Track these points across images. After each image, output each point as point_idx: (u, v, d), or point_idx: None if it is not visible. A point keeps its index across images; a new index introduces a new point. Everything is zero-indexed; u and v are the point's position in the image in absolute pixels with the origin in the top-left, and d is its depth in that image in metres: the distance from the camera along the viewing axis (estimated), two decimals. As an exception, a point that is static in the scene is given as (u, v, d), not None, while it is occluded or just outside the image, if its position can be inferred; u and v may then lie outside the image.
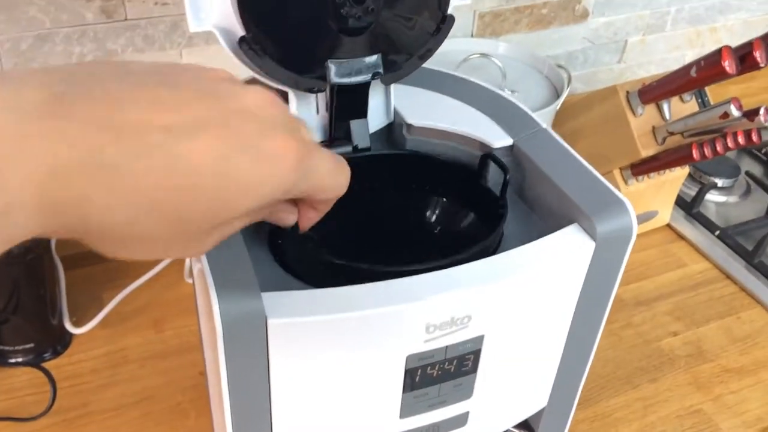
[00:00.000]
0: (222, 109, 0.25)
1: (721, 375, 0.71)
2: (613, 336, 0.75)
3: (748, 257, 0.83)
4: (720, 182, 0.94)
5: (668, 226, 0.89)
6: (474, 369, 0.37)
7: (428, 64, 0.46)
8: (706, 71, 0.68)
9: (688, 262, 0.85)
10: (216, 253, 0.32)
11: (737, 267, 0.83)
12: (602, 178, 0.39)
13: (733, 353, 0.74)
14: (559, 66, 0.82)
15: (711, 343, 0.75)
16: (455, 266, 0.34)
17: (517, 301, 0.36)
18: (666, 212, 0.88)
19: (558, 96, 0.80)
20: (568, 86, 0.81)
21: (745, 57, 0.67)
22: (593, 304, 0.40)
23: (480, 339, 0.36)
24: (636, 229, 0.37)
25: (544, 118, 0.78)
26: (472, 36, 0.87)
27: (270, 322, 0.31)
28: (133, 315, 0.72)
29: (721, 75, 0.67)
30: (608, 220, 0.37)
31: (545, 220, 0.40)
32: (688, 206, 0.90)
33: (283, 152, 0.26)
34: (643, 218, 0.86)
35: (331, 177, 0.29)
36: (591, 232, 0.37)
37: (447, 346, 0.35)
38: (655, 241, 0.88)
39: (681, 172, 0.84)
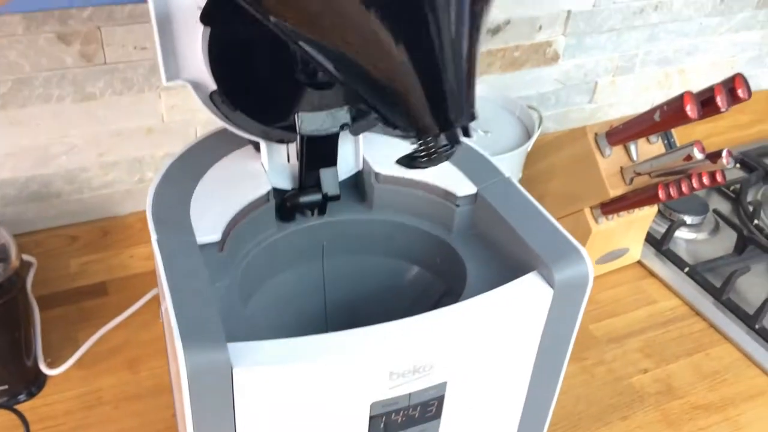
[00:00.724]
0: None
1: (690, 412, 0.72)
2: (585, 373, 0.76)
3: (717, 294, 0.85)
4: (689, 219, 0.96)
5: (639, 263, 0.91)
6: (438, 415, 0.38)
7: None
8: (669, 116, 0.70)
9: (659, 299, 0.86)
10: (183, 300, 0.33)
11: (706, 304, 0.85)
12: (560, 227, 0.40)
13: (702, 390, 0.75)
14: (531, 107, 0.84)
15: (680, 380, 0.76)
16: (417, 315, 0.35)
17: (479, 349, 0.37)
18: (636, 249, 0.90)
19: (530, 136, 0.82)
20: (539, 127, 0.83)
21: (706, 102, 0.69)
22: (554, 349, 0.41)
23: (443, 386, 0.37)
24: (592, 276, 0.39)
25: (515, 159, 0.80)
26: (446, 78, 0.89)
27: (236, 371, 0.32)
28: (108, 355, 0.72)
29: (684, 119, 0.69)
30: (565, 269, 0.38)
31: (507, 266, 0.41)
32: (658, 243, 0.92)
33: None
34: (613, 256, 0.88)
35: None
36: (549, 280, 0.38)
37: (410, 393, 0.36)
38: (627, 278, 0.89)
39: (650, 211, 0.86)
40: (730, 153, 0.72)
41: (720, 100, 0.69)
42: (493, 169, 0.46)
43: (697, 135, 1.11)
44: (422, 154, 0.35)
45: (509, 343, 0.39)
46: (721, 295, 0.85)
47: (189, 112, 0.74)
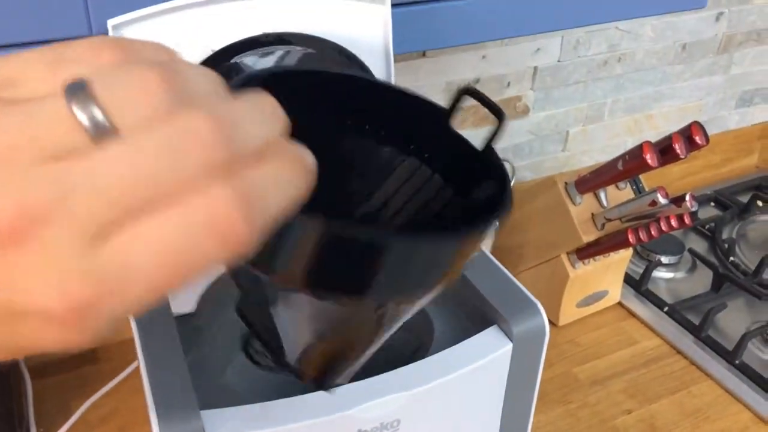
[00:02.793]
0: None
1: (674, 452, 0.74)
2: (570, 417, 0.77)
3: (696, 331, 0.87)
4: (666, 259, 0.99)
5: (619, 304, 0.93)
6: (409, 468, 0.40)
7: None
8: (631, 164, 0.74)
9: (640, 339, 0.88)
10: (156, 369, 0.35)
11: (686, 342, 0.87)
12: (518, 282, 0.43)
13: (686, 428, 0.76)
14: (504, 160, 0.87)
15: (664, 419, 0.77)
16: (381, 374, 0.38)
17: (445, 403, 0.40)
18: (616, 291, 0.92)
19: (503, 188, 0.85)
20: (512, 178, 0.86)
21: (666, 149, 0.73)
22: (519, 400, 0.43)
23: (411, 440, 0.39)
24: (548, 328, 0.41)
25: (490, 211, 0.83)
26: (421, 135, 0.92)
27: (210, 437, 0.34)
28: (99, 423, 0.73)
29: (645, 167, 0.72)
30: (523, 322, 0.41)
31: (470, 318, 0.44)
32: (637, 284, 0.95)
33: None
34: (593, 299, 0.90)
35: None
36: (508, 334, 0.41)
37: (380, 450, 0.38)
38: (608, 319, 0.91)
39: (626, 253, 0.89)
40: (693, 197, 0.75)
41: (678, 147, 0.72)
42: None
43: (673, 176, 1.15)
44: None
45: (474, 395, 0.41)
46: (700, 332, 0.87)
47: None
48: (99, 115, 0.18)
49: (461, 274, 0.45)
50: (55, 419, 0.72)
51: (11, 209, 0.17)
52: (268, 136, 0.20)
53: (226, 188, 0.18)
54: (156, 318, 0.39)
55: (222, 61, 0.40)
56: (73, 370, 0.78)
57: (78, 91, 0.18)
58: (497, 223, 0.32)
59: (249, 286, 0.32)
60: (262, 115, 0.20)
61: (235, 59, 0.40)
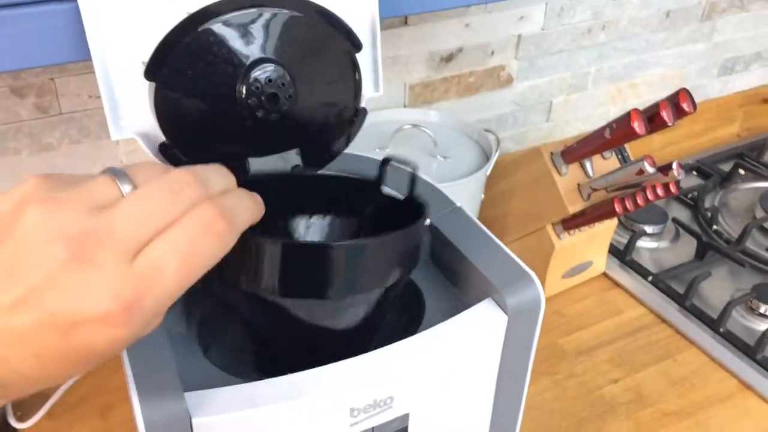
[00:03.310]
0: None
1: (661, 419, 0.74)
2: (557, 387, 0.77)
3: (681, 300, 0.87)
4: (650, 229, 0.98)
5: (604, 274, 0.93)
6: (402, 445, 0.39)
7: (357, 146, 0.48)
8: (618, 132, 0.73)
9: (625, 309, 0.88)
10: (138, 351, 0.33)
11: (671, 311, 0.87)
12: (511, 254, 0.42)
13: (672, 396, 0.76)
14: (487, 130, 0.86)
15: (650, 388, 0.77)
16: (375, 350, 0.36)
17: (438, 378, 0.38)
18: (601, 261, 0.92)
19: (488, 159, 0.84)
20: (497, 150, 0.85)
21: (653, 117, 0.72)
22: (514, 371, 0.42)
23: (405, 417, 0.38)
24: (543, 300, 0.40)
25: (475, 182, 0.82)
26: (405, 106, 0.91)
27: (194, 421, 0.32)
28: (79, 404, 0.71)
29: (633, 135, 0.71)
30: (518, 294, 0.39)
31: (463, 293, 0.42)
32: (621, 254, 0.94)
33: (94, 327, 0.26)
34: (578, 269, 0.90)
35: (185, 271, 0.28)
36: (503, 306, 0.39)
37: (373, 428, 0.37)
38: (593, 290, 0.91)
39: (611, 223, 0.88)
40: (680, 165, 0.74)
41: (666, 114, 0.71)
42: (444, 199, 0.47)
43: (655, 145, 1.14)
44: None
45: (468, 369, 0.40)
46: (684, 301, 0.87)
47: (148, 157, 0.75)
48: (126, 180, 0.29)
49: (453, 248, 0.43)
50: (33, 404, 0.70)
51: (75, 237, 0.25)
52: (227, 184, 0.32)
53: (210, 206, 0.29)
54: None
55: (197, 25, 0.38)
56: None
57: (118, 171, 0.30)
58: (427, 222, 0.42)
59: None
60: (221, 174, 0.32)
61: (212, 23, 0.38)
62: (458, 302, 0.41)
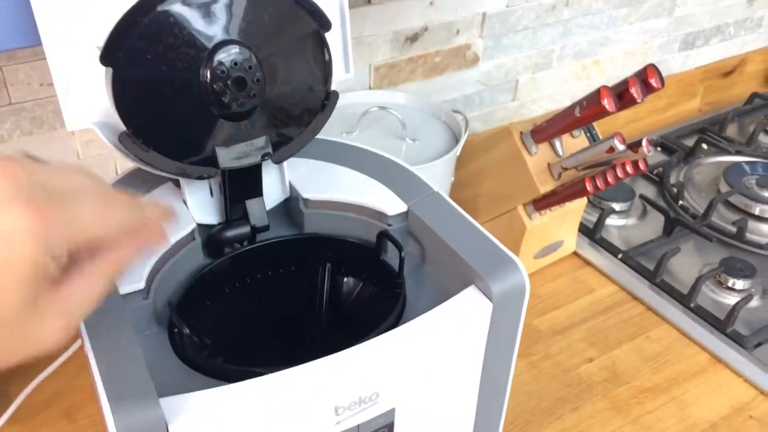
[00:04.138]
0: None
1: (637, 396, 0.74)
2: (533, 369, 0.77)
3: (651, 277, 0.87)
4: (618, 207, 0.98)
5: (575, 253, 0.93)
6: (389, 440, 0.38)
7: (324, 130, 0.47)
8: (588, 110, 0.72)
9: (597, 287, 0.88)
10: (106, 353, 0.31)
11: (642, 287, 0.87)
12: (494, 239, 0.40)
13: (646, 373, 0.77)
14: (455, 111, 0.85)
15: (625, 365, 0.78)
16: (356, 345, 0.35)
17: (424, 370, 0.37)
18: (571, 241, 0.92)
19: (457, 140, 0.82)
20: (465, 131, 0.84)
21: (622, 94, 0.71)
22: (499, 360, 0.41)
23: (391, 412, 0.36)
24: (528, 285, 0.39)
25: (446, 164, 0.80)
26: (370, 88, 0.89)
27: (171, 427, 0.30)
28: (43, 407, 0.68)
29: (603, 113, 0.71)
30: (502, 281, 0.38)
31: (445, 281, 0.41)
32: (591, 233, 0.94)
33: (13, 225, 0.25)
34: (550, 249, 0.89)
35: (100, 216, 0.28)
36: (487, 293, 0.38)
37: (359, 425, 0.36)
38: (564, 269, 0.91)
39: (581, 202, 0.88)
40: (649, 141, 0.74)
41: (635, 91, 0.71)
42: (421, 184, 0.46)
43: (619, 122, 1.14)
44: None
45: (453, 361, 0.38)
46: (655, 277, 0.87)
47: (106, 147, 0.72)
48: None
49: (432, 234, 0.42)
50: (-6, 408, 0.67)
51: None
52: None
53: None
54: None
55: (155, 5, 0.35)
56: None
57: None
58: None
59: None
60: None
61: (171, 3, 0.35)
62: (441, 290, 0.39)
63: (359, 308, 0.42)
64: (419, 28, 0.87)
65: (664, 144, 1.14)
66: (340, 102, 0.85)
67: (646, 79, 0.72)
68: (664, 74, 1.20)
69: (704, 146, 1.13)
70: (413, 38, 0.88)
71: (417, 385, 0.37)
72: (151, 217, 0.32)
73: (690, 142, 1.14)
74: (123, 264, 0.30)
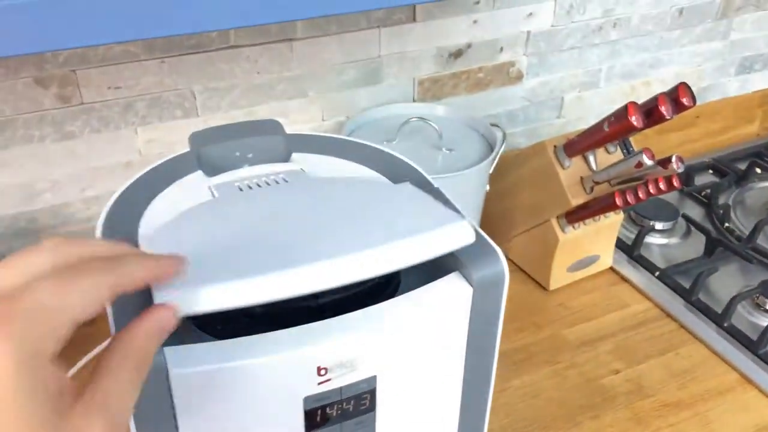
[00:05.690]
0: None
1: (660, 409, 0.74)
2: (557, 376, 0.78)
3: (687, 295, 0.87)
4: (659, 225, 0.99)
5: (611, 269, 0.94)
6: (372, 407, 0.41)
7: (366, 137, 0.50)
8: (616, 126, 0.74)
9: (631, 303, 0.89)
10: (122, 308, 0.36)
11: (677, 305, 0.87)
12: (478, 228, 0.44)
13: (672, 388, 0.77)
14: (493, 125, 0.88)
15: (651, 379, 0.78)
16: (343, 314, 0.39)
17: (405, 345, 0.41)
18: (607, 256, 0.93)
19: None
20: (503, 143, 0.87)
21: (651, 111, 0.73)
22: (482, 345, 0.44)
23: (373, 379, 0.40)
24: (507, 274, 0.42)
25: (478, 174, 0.84)
26: (413, 101, 0.93)
27: (172, 373, 0.35)
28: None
29: (630, 129, 0.73)
30: (483, 268, 0.42)
31: (434, 267, 0.44)
32: (630, 249, 0.95)
33: None
34: (584, 263, 0.91)
35: (64, 296, 0.26)
36: (469, 279, 0.42)
37: (341, 387, 0.40)
38: (599, 284, 0.92)
39: (616, 218, 0.89)
40: (680, 158, 0.75)
41: (665, 109, 0.72)
42: (420, 177, 0.50)
43: (670, 142, 1.14)
44: None
45: (434, 340, 0.42)
46: (690, 296, 0.87)
47: (166, 146, 0.79)
48: None
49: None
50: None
51: None
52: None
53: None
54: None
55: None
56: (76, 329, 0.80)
57: None
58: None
59: None
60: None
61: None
62: (427, 276, 0.43)
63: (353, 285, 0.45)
64: (463, 44, 0.91)
65: (716, 166, 1.13)
66: (383, 113, 0.90)
67: (678, 97, 0.73)
68: (719, 98, 1.20)
69: (758, 170, 1.11)
70: (457, 54, 0.92)
71: (399, 358, 0.41)
72: (147, 273, 0.30)
73: (744, 166, 1.12)
74: (152, 343, 0.30)
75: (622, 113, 0.73)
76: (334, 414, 0.40)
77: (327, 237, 0.38)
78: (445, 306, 0.41)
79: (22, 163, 0.73)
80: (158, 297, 0.32)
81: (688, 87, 0.74)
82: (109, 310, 0.38)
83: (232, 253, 0.37)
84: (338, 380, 0.39)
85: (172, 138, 0.78)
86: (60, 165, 0.74)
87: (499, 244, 0.44)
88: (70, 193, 0.76)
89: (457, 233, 0.39)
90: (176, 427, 0.37)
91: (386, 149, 0.54)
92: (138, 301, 0.33)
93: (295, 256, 0.36)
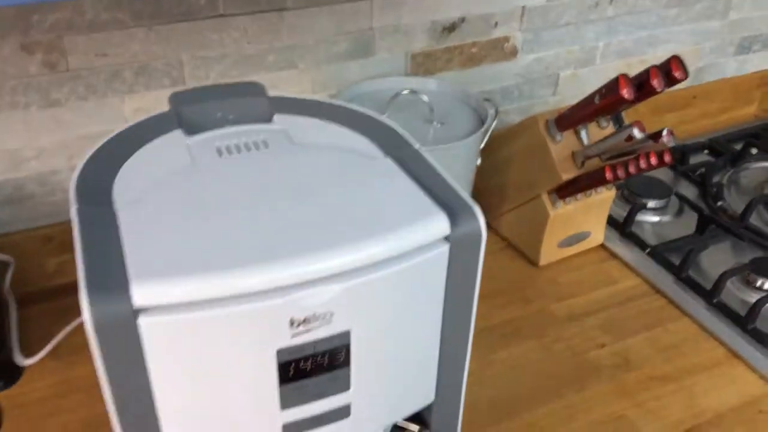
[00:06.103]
0: None
1: (645, 382, 0.74)
2: (544, 350, 0.78)
3: (677, 272, 0.87)
4: (651, 203, 0.98)
5: (602, 246, 0.93)
6: (347, 362, 0.41)
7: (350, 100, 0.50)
8: (607, 99, 0.73)
9: (620, 279, 0.89)
10: (91, 254, 0.36)
11: (666, 281, 0.87)
12: (460, 189, 0.43)
13: (659, 362, 0.77)
14: (486, 99, 0.87)
15: (637, 353, 0.78)
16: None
17: (379, 300, 0.40)
18: (599, 233, 0.93)
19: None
20: (495, 117, 0.86)
21: (643, 84, 0.72)
22: (459, 303, 0.44)
23: (346, 334, 0.40)
24: (485, 233, 0.42)
25: (468, 147, 0.83)
26: (406, 75, 0.93)
27: (141, 321, 0.35)
28: (83, 346, 0.74)
29: (621, 101, 0.72)
30: (460, 225, 0.41)
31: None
32: (621, 226, 0.95)
33: None
34: (575, 239, 0.91)
35: None
36: (446, 236, 0.41)
37: (315, 341, 0.39)
38: (590, 260, 0.92)
39: (608, 194, 0.89)
40: (670, 132, 0.74)
41: (657, 82, 0.72)
42: (404, 142, 0.49)
43: (668, 123, 1.14)
44: None
45: (410, 297, 0.42)
46: (680, 272, 0.87)
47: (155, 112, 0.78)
48: None
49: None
50: (39, 345, 0.74)
51: None
52: None
53: None
54: (99, 216, 0.40)
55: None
56: (58, 300, 0.80)
57: None
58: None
59: None
60: None
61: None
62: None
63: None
64: (456, 18, 0.91)
65: (711, 146, 1.13)
66: (375, 86, 0.90)
67: (670, 70, 0.73)
68: (717, 77, 1.19)
69: (753, 151, 1.11)
70: (450, 28, 0.91)
71: (373, 313, 0.41)
72: None
73: (740, 147, 1.12)
74: None
75: (613, 85, 0.72)
76: (308, 368, 0.40)
77: (296, 231, 0.39)
78: (421, 261, 0.41)
79: (8, 130, 0.72)
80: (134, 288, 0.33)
81: (681, 60, 0.73)
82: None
83: (199, 243, 0.38)
84: (311, 334, 0.39)
85: (160, 107, 0.77)
86: (46, 132, 0.74)
87: (490, 220, 0.44)
88: (58, 160, 0.76)
89: (430, 229, 0.40)
90: (147, 376, 0.37)
91: (370, 112, 0.53)
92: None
93: (259, 254, 0.37)
